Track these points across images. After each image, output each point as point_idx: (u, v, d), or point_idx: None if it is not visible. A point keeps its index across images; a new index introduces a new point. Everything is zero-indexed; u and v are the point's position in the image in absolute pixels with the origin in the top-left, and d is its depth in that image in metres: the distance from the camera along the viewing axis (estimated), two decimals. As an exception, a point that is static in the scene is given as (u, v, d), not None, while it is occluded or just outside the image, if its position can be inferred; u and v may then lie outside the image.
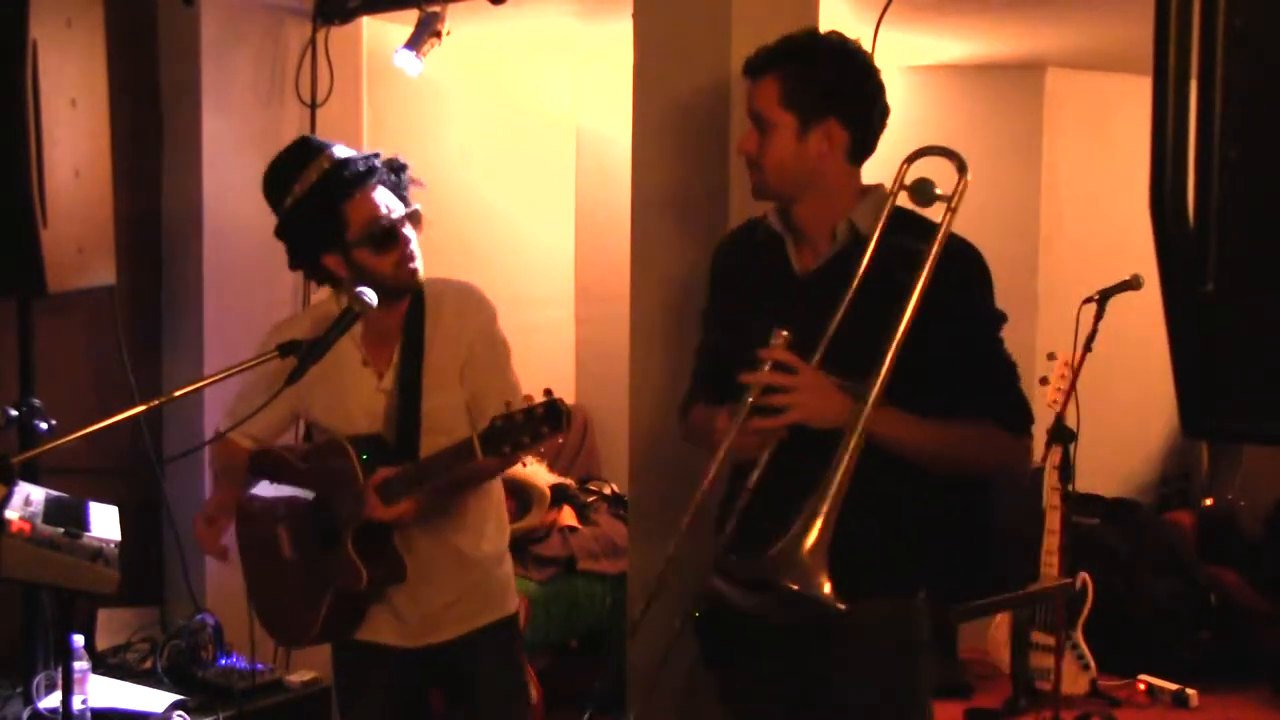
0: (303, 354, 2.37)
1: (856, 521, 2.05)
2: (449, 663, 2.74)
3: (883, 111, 2.18)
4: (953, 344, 2.05)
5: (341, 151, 2.63)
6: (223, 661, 3.42)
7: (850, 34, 2.25)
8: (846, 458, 1.92)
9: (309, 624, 2.61)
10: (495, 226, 5.15)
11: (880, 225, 2.05)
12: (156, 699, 3.20)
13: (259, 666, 3.33)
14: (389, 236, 2.56)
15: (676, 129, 3.06)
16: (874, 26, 3.31)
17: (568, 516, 4.80)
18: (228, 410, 2.78)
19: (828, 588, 1.88)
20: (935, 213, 2.06)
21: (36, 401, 3.11)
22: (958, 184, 2.02)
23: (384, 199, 2.58)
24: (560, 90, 5.60)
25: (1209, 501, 5.53)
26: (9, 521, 2.43)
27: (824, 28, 3.22)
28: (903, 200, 2.08)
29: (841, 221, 2.14)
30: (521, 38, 4.97)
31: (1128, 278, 4.20)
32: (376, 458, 2.49)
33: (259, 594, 2.80)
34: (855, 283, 2.02)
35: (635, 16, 3.14)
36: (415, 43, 3.89)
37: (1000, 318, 2.13)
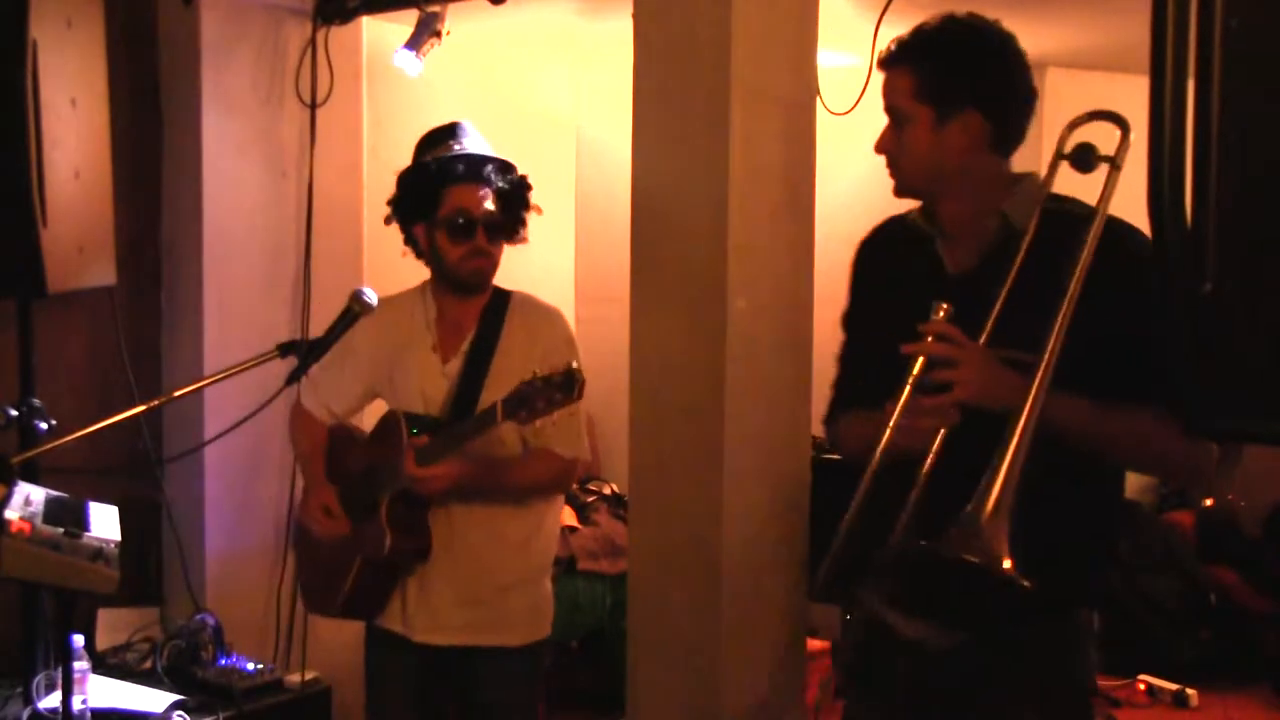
0: (303, 353, 2.38)
1: (1037, 532, 1.90)
2: (453, 674, 2.73)
3: (1027, 96, 2.06)
4: (1128, 328, 1.89)
5: (475, 147, 2.80)
6: (223, 661, 3.42)
7: (850, 34, 2.23)
8: (1018, 435, 1.78)
9: (336, 593, 2.69)
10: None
11: (1034, 215, 1.93)
12: (156, 699, 3.20)
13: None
14: (467, 229, 2.71)
15: (676, 129, 3.06)
16: (874, 26, 3.31)
17: (568, 516, 4.80)
18: (310, 379, 2.85)
19: (1009, 564, 1.74)
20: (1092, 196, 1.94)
21: (36, 401, 3.11)
22: (1120, 144, 1.90)
23: (482, 199, 2.71)
24: (560, 90, 5.60)
25: (1209, 501, 5.53)
26: (9, 521, 2.43)
27: (824, 28, 3.24)
28: (1064, 173, 1.97)
29: (992, 216, 2.03)
30: (521, 37, 4.97)
31: (1128, 278, 4.19)
32: (426, 434, 2.58)
33: (303, 560, 2.94)
34: (1014, 272, 1.91)
35: (635, 16, 3.14)
36: (415, 43, 3.89)
37: None
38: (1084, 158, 1.93)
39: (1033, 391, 1.81)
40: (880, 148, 2.11)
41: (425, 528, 2.65)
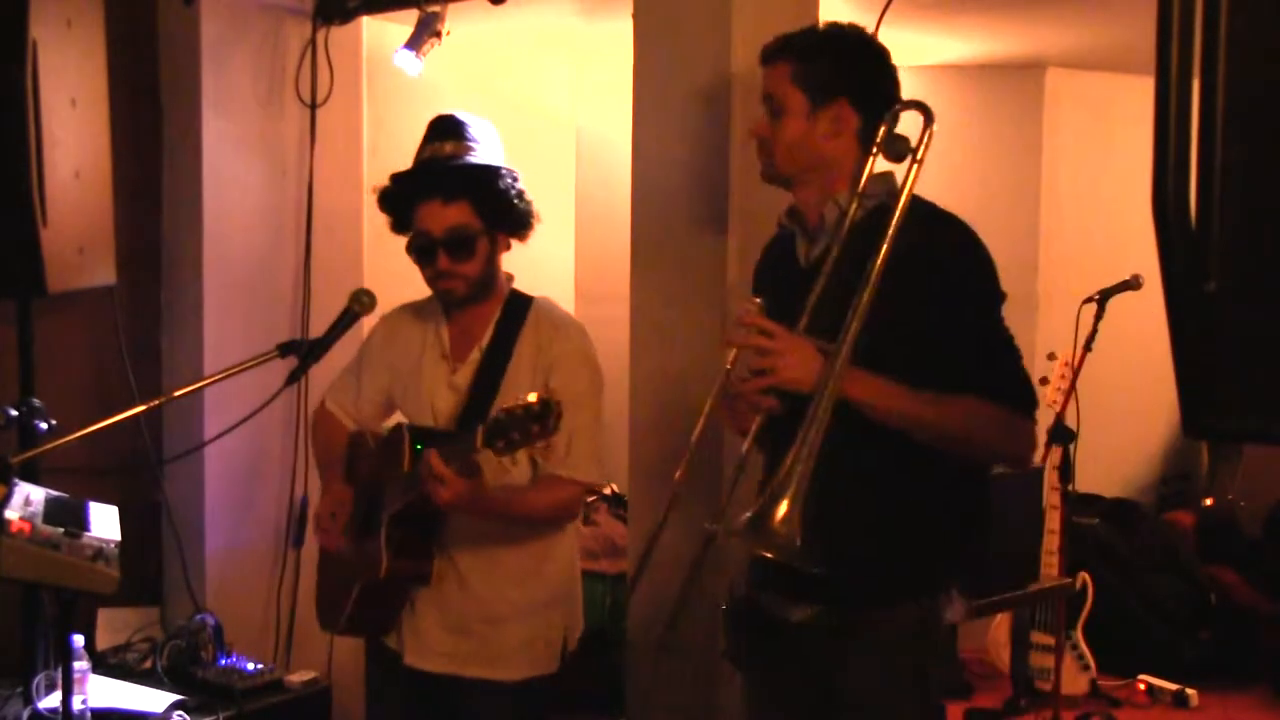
0: (304, 353, 2.37)
1: (863, 518, 2.08)
2: (442, 701, 2.64)
3: (894, 99, 2.15)
4: (942, 318, 2.01)
5: (468, 149, 2.61)
6: (223, 661, 3.42)
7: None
8: (817, 417, 1.89)
9: (340, 610, 2.61)
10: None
11: (853, 201, 2.05)
12: (156, 699, 3.19)
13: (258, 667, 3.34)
14: (426, 251, 2.58)
15: (676, 129, 3.06)
16: (874, 26, 3.31)
17: (568, 516, 4.80)
18: (334, 383, 2.84)
19: (801, 550, 1.86)
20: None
21: (36, 401, 3.11)
22: (922, 134, 2.00)
23: (445, 216, 2.54)
24: (560, 90, 5.60)
25: (1209, 501, 5.53)
26: (9, 521, 2.43)
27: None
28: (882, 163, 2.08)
29: (830, 206, 2.14)
30: (521, 37, 4.97)
31: (1128, 278, 4.19)
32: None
33: (320, 575, 2.83)
34: (829, 262, 2.02)
35: (635, 16, 3.14)
36: (415, 43, 3.89)
37: (995, 295, 2.08)
38: (893, 147, 2.04)
39: (830, 375, 1.90)
40: (754, 133, 2.23)
41: (427, 552, 2.54)
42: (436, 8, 3.87)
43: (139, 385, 3.71)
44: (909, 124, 2.09)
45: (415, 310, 2.75)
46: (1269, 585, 5.13)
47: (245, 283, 3.98)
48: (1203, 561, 5.24)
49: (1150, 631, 4.98)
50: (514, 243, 2.72)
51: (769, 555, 1.89)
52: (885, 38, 2.27)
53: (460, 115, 2.68)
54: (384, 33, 4.34)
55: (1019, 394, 2.05)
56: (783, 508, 1.86)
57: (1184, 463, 5.85)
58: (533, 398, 2.18)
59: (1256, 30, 0.91)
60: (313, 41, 4.05)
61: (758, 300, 2.07)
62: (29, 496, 2.58)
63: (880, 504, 2.09)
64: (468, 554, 2.59)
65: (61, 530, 2.50)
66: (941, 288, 2.01)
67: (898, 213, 1.96)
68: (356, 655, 3.04)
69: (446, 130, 2.64)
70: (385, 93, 4.41)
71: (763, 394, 2.01)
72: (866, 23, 3.46)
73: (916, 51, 4.87)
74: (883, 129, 2.06)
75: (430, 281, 2.61)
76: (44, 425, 3.06)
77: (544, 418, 2.16)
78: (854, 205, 2.05)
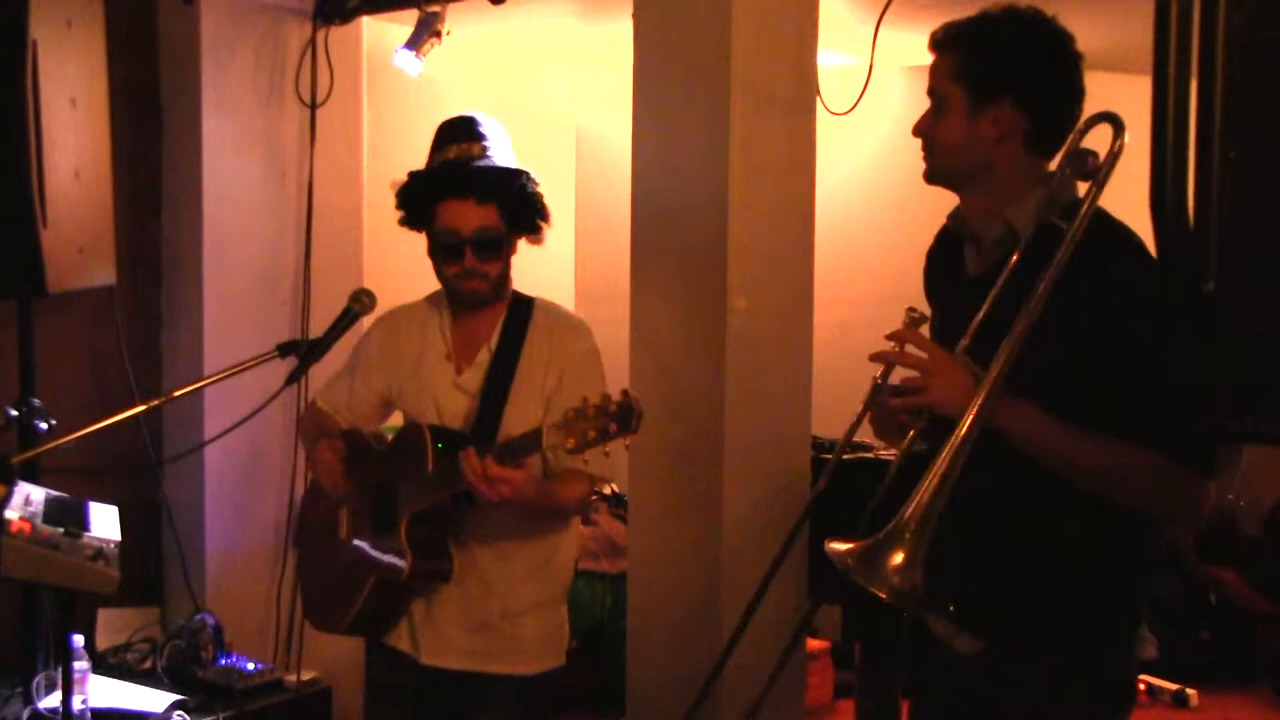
0: (304, 353, 2.37)
1: (1039, 553, 1.94)
2: (456, 698, 2.64)
3: (1072, 97, 1.98)
4: (1113, 354, 1.83)
5: (490, 151, 2.61)
6: (223, 661, 3.42)
7: (851, 34, 2.22)
8: (956, 443, 1.75)
9: (347, 610, 2.59)
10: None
11: (1034, 218, 1.86)
12: (156, 699, 3.19)
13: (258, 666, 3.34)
14: (454, 250, 2.56)
15: (677, 129, 3.06)
16: (874, 26, 3.31)
17: (568, 516, 4.80)
18: (327, 383, 2.81)
19: (922, 600, 1.73)
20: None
21: (36, 401, 3.11)
22: (1112, 146, 1.83)
23: (473, 215, 2.55)
24: (560, 90, 5.60)
25: (1209, 501, 5.52)
26: (9, 521, 2.43)
27: (824, 28, 3.24)
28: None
29: (998, 219, 1.97)
30: (521, 38, 4.97)
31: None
32: (452, 450, 2.42)
33: (306, 572, 2.82)
34: (1002, 279, 1.86)
35: (635, 16, 3.14)
36: (415, 43, 3.89)
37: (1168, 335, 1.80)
38: (1079, 160, 1.89)
39: (977, 401, 1.76)
40: (916, 130, 2.06)
41: (447, 550, 2.53)
42: (436, 8, 3.87)
43: (139, 385, 3.71)
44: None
45: (411, 312, 2.74)
46: (1269, 585, 5.13)
47: (245, 282, 3.98)
48: (1203, 561, 5.24)
49: (1150, 631, 4.97)
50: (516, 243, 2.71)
51: (881, 596, 1.74)
52: (885, 38, 2.24)
53: (479, 117, 2.69)
54: (384, 33, 4.34)
55: (1197, 451, 1.82)
56: (898, 557, 1.73)
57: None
58: (613, 396, 2.18)
59: (1254, 30, 0.91)
60: (313, 41, 4.05)
61: (915, 313, 1.92)
62: (29, 496, 2.58)
63: (1058, 539, 1.93)
64: (488, 551, 2.59)
65: (61, 530, 2.50)
66: (1111, 318, 1.83)
67: (1070, 236, 1.79)
68: (356, 655, 3.03)
69: (472, 132, 2.65)
70: (385, 93, 4.41)
71: (912, 415, 1.89)
72: (867, 23, 3.47)
73: (917, 52, 4.85)
74: (1069, 142, 1.90)
75: (452, 280, 2.59)
76: (44, 425, 3.06)
77: (625, 418, 2.16)
78: (1031, 225, 1.88)
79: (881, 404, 1.97)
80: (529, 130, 5.40)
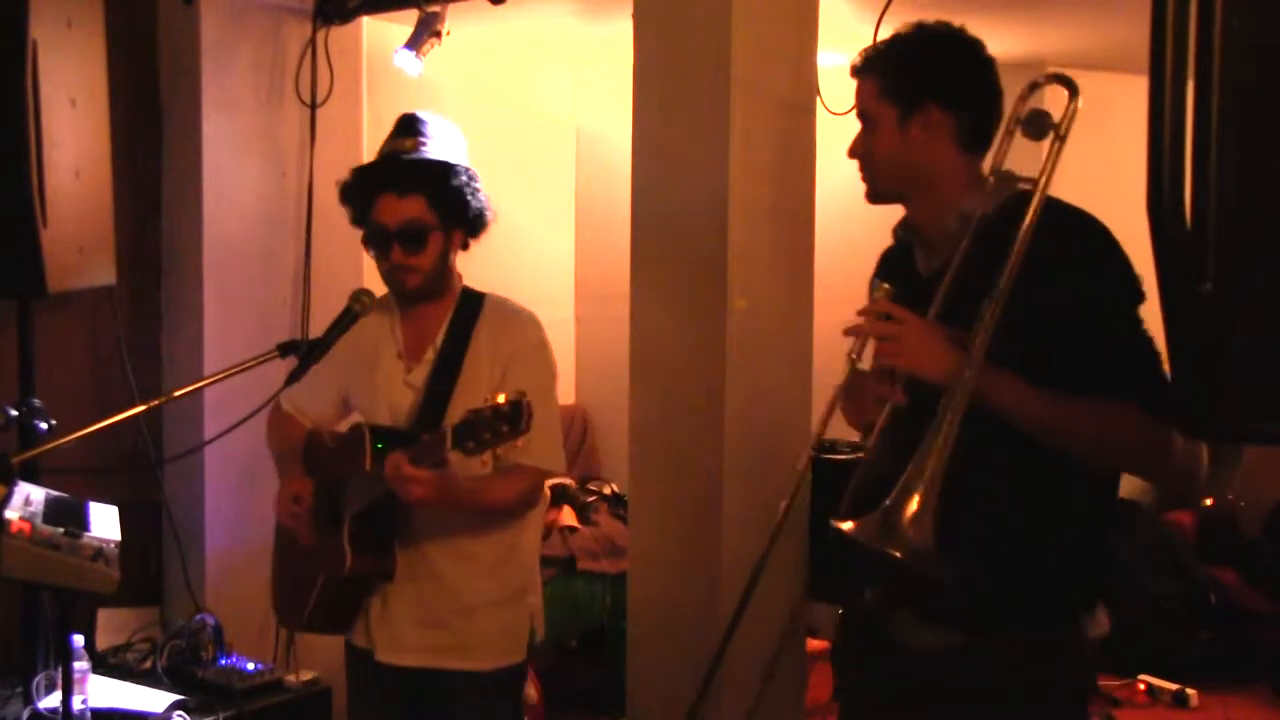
0: (303, 353, 2.37)
1: (1004, 534, 1.95)
2: (421, 695, 2.66)
3: (991, 93, 2.07)
4: (1075, 319, 1.88)
5: (426, 145, 2.64)
6: (223, 661, 3.42)
7: (850, 34, 2.24)
8: (951, 414, 1.78)
9: (301, 608, 2.62)
10: (495, 226, 5.13)
11: (992, 200, 1.94)
12: (156, 699, 3.19)
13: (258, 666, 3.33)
14: (381, 243, 2.60)
15: (677, 129, 3.06)
16: (874, 26, 3.31)
17: (568, 516, 4.80)
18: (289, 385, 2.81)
19: (934, 556, 1.74)
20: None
21: (36, 401, 3.11)
22: (1067, 109, 1.90)
23: (402, 208, 2.57)
24: (560, 90, 5.60)
25: (1209, 501, 5.53)
26: (9, 521, 2.43)
27: (824, 28, 3.24)
28: (1019, 146, 1.99)
29: (952, 215, 2.02)
30: (521, 38, 4.97)
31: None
32: (391, 449, 2.45)
33: (277, 571, 2.84)
34: (962, 248, 1.92)
35: (635, 16, 3.14)
36: (415, 43, 3.89)
37: (1134, 295, 1.90)
38: (1037, 123, 1.97)
39: (966, 362, 1.80)
40: (852, 152, 2.14)
41: (390, 549, 2.56)
42: (436, 8, 3.87)
43: (139, 385, 3.71)
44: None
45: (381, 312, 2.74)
46: (1269, 585, 5.13)
47: (245, 283, 3.98)
48: (1203, 561, 5.24)
49: (1150, 631, 4.98)
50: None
51: (897, 556, 1.76)
52: (885, 37, 2.25)
53: (423, 115, 2.72)
54: (384, 33, 4.34)
55: (1156, 394, 1.84)
56: (914, 504, 1.75)
57: (1184, 463, 5.83)
58: (502, 399, 2.20)
59: (1251, 31, 0.91)
60: (313, 41, 4.05)
61: (886, 286, 1.96)
62: (29, 496, 2.58)
63: (1019, 517, 1.96)
64: (440, 547, 2.61)
65: (61, 530, 2.50)
66: (1069, 284, 1.89)
67: (1039, 191, 1.86)
68: (356, 655, 3.04)
69: (407, 128, 2.69)
70: (385, 93, 4.41)
71: (888, 383, 1.91)
72: (867, 23, 3.47)
73: (916, 51, 4.86)
74: (1018, 109, 1.98)
75: (385, 274, 2.63)
76: (44, 425, 3.06)
77: (515, 419, 2.18)
78: (979, 208, 1.95)
79: (854, 385, 2.01)
80: (529, 130, 5.41)
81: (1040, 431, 1.88)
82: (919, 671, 2.04)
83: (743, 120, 2.97)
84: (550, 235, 5.52)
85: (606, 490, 5.12)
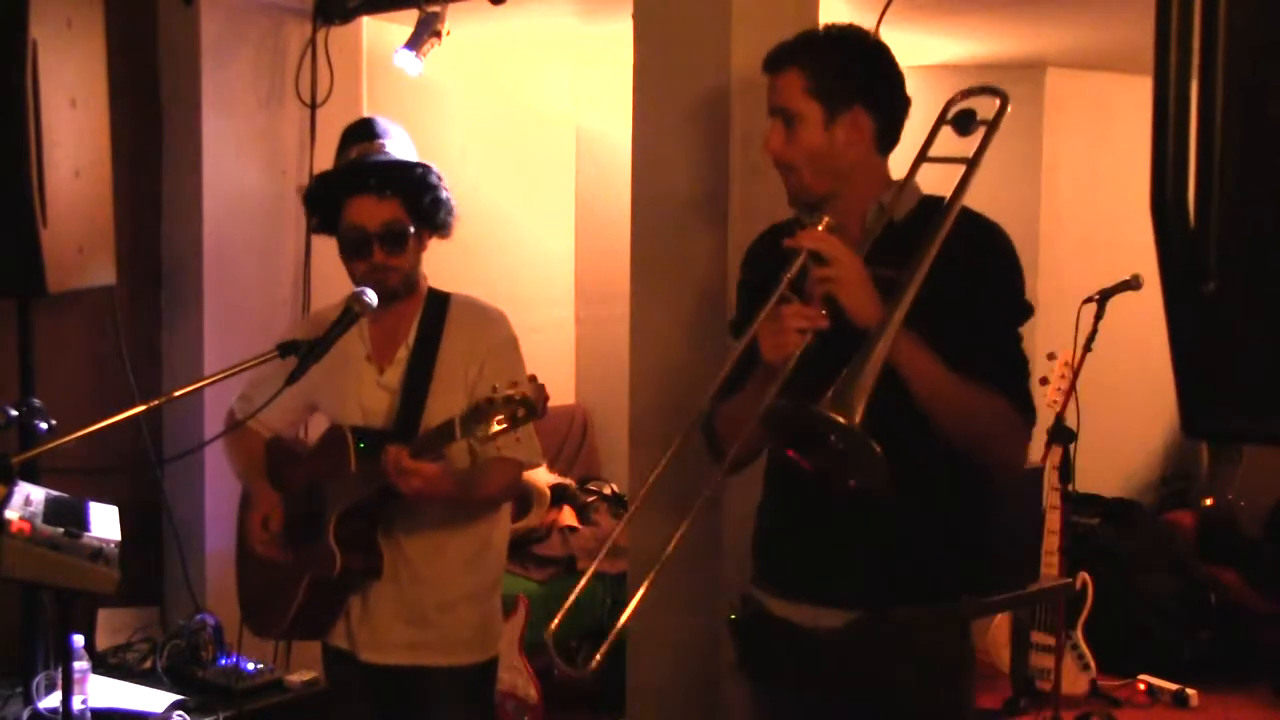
0: (303, 353, 2.37)
1: (891, 524, 2.05)
2: (402, 694, 2.66)
3: (905, 100, 2.13)
4: (969, 317, 1.99)
5: (389, 148, 2.67)
6: (223, 661, 3.42)
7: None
8: (874, 351, 1.83)
9: (283, 613, 2.62)
10: (495, 226, 5.14)
11: (911, 197, 2.03)
12: (156, 699, 3.19)
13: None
14: (361, 246, 2.61)
15: (677, 129, 3.06)
16: (874, 26, 3.31)
17: (568, 516, 4.80)
18: (242, 396, 2.82)
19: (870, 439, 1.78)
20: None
21: (36, 401, 3.11)
22: (999, 110, 2.01)
23: (381, 210, 2.59)
24: (560, 90, 5.60)
25: (1209, 501, 5.53)
26: (9, 521, 2.43)
27: (824, 27, 3.24)
28: (946, 139, 2.08)
29: (871, 207, 2.08)
30: (521, 38, 4.97)
31: (1128, 278, 4.19)
32: (374, 449, 2.48)
33: (244, 579, 2.84)
34: (874, 237, 1.97)
35: (635, 16, 3.14)
36: (415, 43, 3.89)
37: (1022, 309, 2.06)
38: (964, 121, 2.08)
39: (894, 307, 1.86)
40: (773, 151, 2.14)
41: (375, 546, 2.57)
42: (436, 8, 3.87)
43: (139, 385, 3.71)
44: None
45: (329, 316, 2.65)
46: (1269, 585, 5.13)
47: (245, 283, 3.98)
48: (1203, 561, 5.24)
49: (1150, 631, 4.98)
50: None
51: (841, 422, 1.78)
52: (885, 38, 2.26)
53: (378, 119, 2.76)
54: (384, 33, 4.34)
55: (1027, 406, 2.04)
56: (858, 390, 1.79)
57: (1184, 463, 5.85)
58: (512, 389, 2.25)
59: (1255, 29, 0.91)
60: (313, 41, 4.05)
61: (827, 219, 1.97)
62: (29, 496, 2.58)
63: (916, 499, 2.02)
64: (418, 544, 2.62)
65: (61, 530, 2.50)
66: (980, 283, 2.01)
67: (967, 180, 1.95)
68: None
69: (371, 131, 2.71)
70: (385, 93, 4.41)
71: (816, 309, 1.92)
72: (866, 23, 3.46)
73: (916, 51, 4.87)
74: (947, 112, 2.06)
75: (363, 278, 2.60)
76: (44, 425, 3.06)
77: (531, 403, 2.23)
78: (891, 204, 2.05)
79: (775, 315, 1.95)
80: (529, 130, 5.41)
81: (933, 394, 1.94)
82: (819, 651, 2.11)
83: (743, 120, 2.97)
84: (550, 235, 5.52)
85: (606, 490, 5.12)
